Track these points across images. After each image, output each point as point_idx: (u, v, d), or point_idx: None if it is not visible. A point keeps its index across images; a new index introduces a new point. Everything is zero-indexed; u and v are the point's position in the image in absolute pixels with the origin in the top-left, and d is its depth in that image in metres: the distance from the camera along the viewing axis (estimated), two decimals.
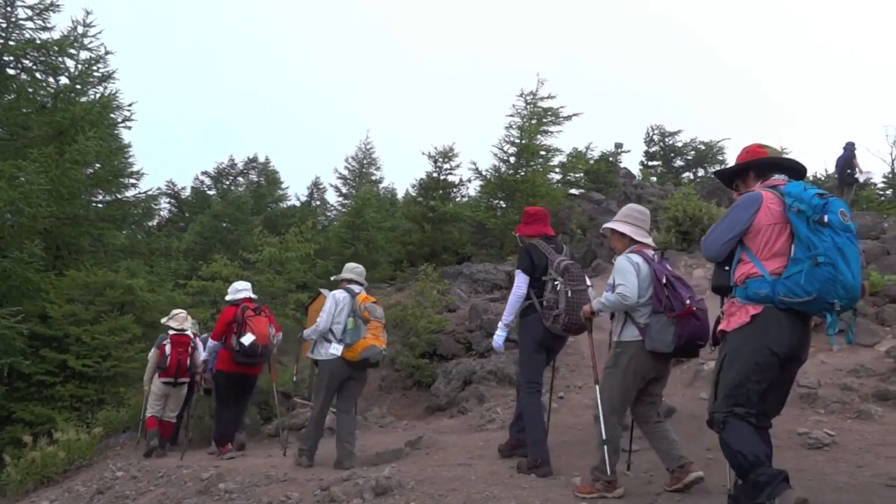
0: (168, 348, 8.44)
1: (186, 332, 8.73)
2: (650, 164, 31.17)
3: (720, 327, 3.71)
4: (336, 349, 6.36)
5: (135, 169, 16.00)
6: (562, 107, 20.96)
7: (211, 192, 31.38)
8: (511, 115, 20.42)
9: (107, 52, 14.84)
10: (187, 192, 31.64)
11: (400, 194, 31.11)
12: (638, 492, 4.50)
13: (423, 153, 21.39)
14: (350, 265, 7.03)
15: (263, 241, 12.92)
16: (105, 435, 9.41)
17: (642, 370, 4.46)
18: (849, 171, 16.63)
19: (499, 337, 5.62)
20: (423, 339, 11.19)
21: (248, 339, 7.53)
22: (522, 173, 19.76)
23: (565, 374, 8.92)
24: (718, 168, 3.79)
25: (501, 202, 20.22)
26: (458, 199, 21.94)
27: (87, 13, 14.42)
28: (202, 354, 8.41)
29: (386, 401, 10.84)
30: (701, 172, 29.36)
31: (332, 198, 33.21)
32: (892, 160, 21.11)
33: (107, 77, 14.94)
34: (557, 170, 22.80)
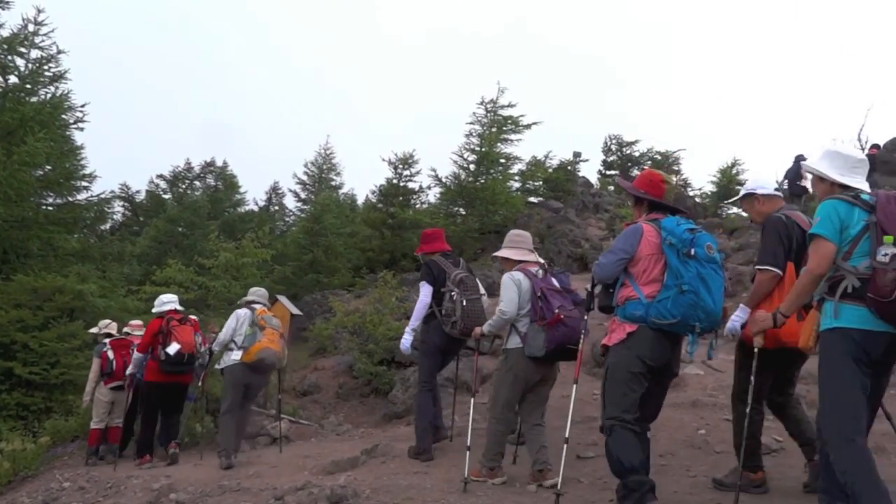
0: (111, 353, 8.53)
1: (125, 337, 8.86)
2: (608, 173, 31.64)
3: (602, 342, 4.20)
4: (237, 355, 7.16)
5: (87, 171, 15.59)
6: (522, 115, 21.18)
7: (166, 196, 30.82)
8: (471, 123, 20.57)
9: (59, 52, 14.45)
10: (142, 196, 31.08)
11: (360, 200, 30.97)
12: (592, 498, 4.55)
13: (384, 159, 21.38)
14: (253, 289, 7.98)
15: (219, 246, 12.72)
16: (52, 444, 9.15)
17: (524, 373, 5.05)
18: (798, 182, 17.09)
19: (405, 341, 6.25)
20: (382, 347, 11.14)
21: (173, 348, 7.72)
22: (482, 181, 19.87)
23: None
24: (623, 180, 4.40)
25: (461, 209, 20.29)
26: (417, 206, 21.94)
27: (39, 11, 14.08)
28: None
29: (343, 408, 10.77)
30: None
31: (290, 203, 32.89)
32: None
33: (58, 77, 14.55)
34: (517, 178, 22.98)
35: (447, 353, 6.27)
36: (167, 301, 8.29)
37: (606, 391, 4.01)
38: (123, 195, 29.45)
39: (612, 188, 27.72)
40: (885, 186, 16.01)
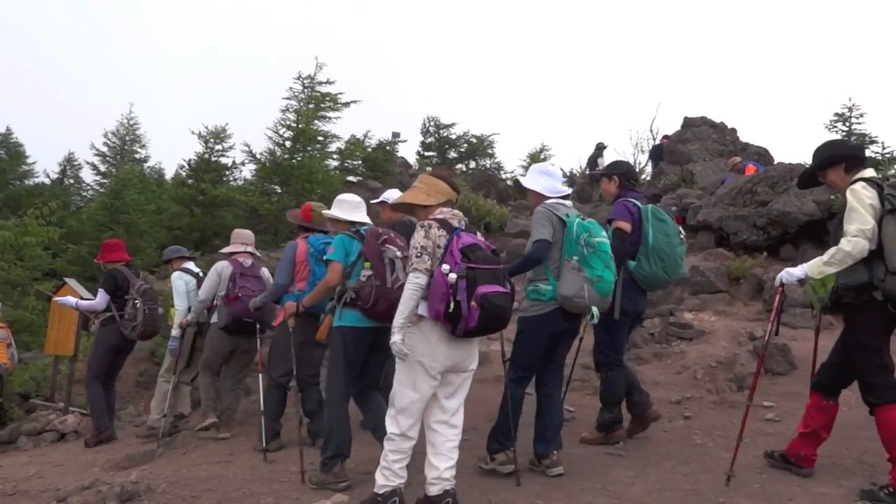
0: None
1: None
2: (426, 154, 32.05)
3: (272, 322, 6.05)
4: None
5: None
6: (340, 93, 20.88)
7: None
8: (288, 98, 19.97)
9: None
10: None
11: (169, 175, 29.11)
12: None
13: (193, 132, 20.26)
14: None
15: None
16: None
17: (219, 343, 6.48)
18: (597, 167, 18.41)
19: (79, 302, 7.55)
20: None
21: None
22: (299, 158, 19.38)
23: None
24: (301, 224, 6.21)
25: (277, 187, 19.70)
26: (231, 183, 21.02)
27: None
28: None
29: (144, 397, 10.07)
30: (472, 164, 30.76)
31: (88, 176, 30.16)
32: (635, 160, 23.67)
33: None
34: (335, 156, 22.66)
35: (121, 352, 7.40)
36: None
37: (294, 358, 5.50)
38: None
39: (429, 169, 28.18)
40: (670, 174, 17.62)
